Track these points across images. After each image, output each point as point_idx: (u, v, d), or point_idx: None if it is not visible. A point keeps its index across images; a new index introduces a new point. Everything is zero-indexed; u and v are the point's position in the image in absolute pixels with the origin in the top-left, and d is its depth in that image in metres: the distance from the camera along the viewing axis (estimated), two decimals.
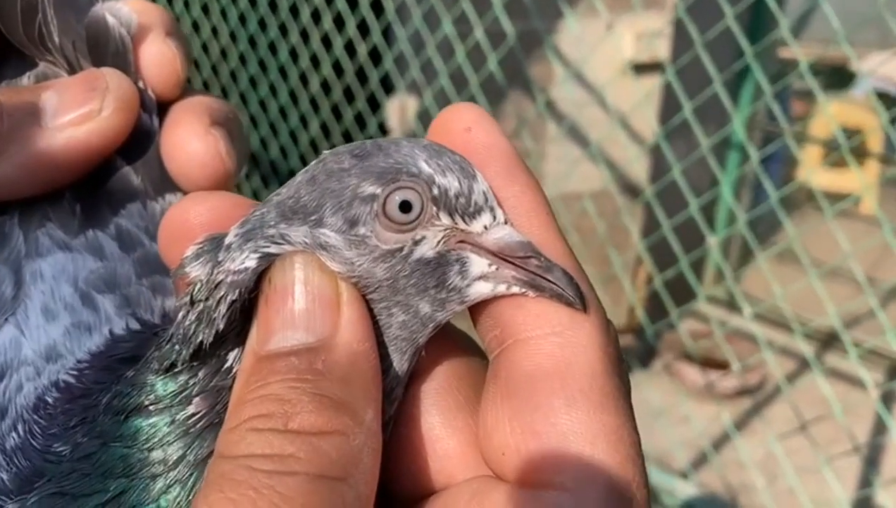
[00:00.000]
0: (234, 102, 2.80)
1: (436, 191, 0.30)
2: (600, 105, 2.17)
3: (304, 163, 2.43)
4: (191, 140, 0.40)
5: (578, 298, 0.29)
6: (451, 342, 0.33)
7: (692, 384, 2.41)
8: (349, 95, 2.42)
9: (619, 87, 2.11)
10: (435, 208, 0.30)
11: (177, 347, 0.31)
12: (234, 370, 0.30)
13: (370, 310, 0.30)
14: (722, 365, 2.32)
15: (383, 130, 2.45)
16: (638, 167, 2.20)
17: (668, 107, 2.16)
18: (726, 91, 1.72)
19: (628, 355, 2.22)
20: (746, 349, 2.25)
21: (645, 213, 2.33)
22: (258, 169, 2.85)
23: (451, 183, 0.30)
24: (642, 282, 2.39)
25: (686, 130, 1.86)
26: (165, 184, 0.41)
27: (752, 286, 2.54)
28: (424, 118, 2.22)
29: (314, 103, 2.57)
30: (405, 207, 0.30)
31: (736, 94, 2.52)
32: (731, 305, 2.55)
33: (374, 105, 2.38)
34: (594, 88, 2.19)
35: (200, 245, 0.31)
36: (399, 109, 2.41)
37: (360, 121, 2.42)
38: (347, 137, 2.43)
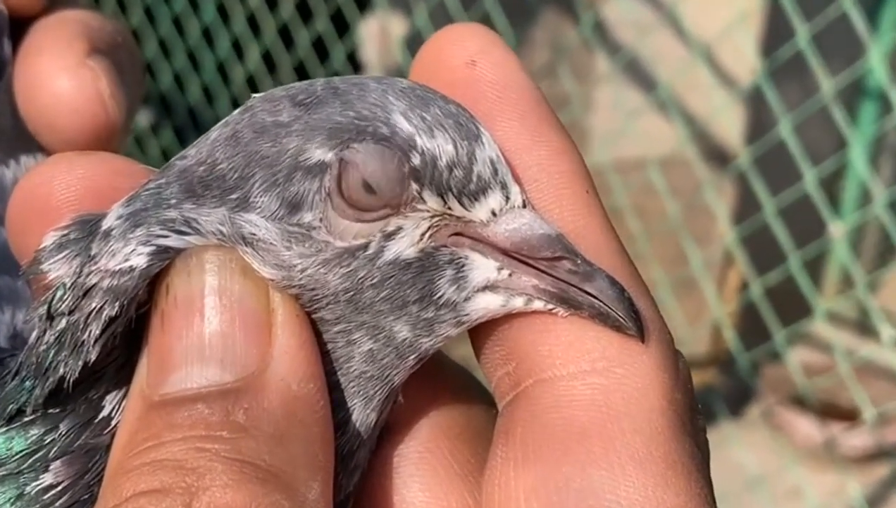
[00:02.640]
0: (135, 21, 2.81)
1: (417, 159, 0.30)
2: (673, 29, 2.16)
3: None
4: (58, 75, 0.40)
5: (633, 319, 0.29)
6: (440, 380, 0.33)
7: (805, 440, 2.41)
8: (305, 9, 2.42)
9: (702, 2, 2.11)
10: (416, 186, 0.30)
11: (27, 384, 0.31)
12: (113, 422, 0.30)
13: (318, 335, 0.30)
14: (849, 414, 2.32)
15: (354, 63, 2.45)
16: (728, 122, 2.21)
17: (774, 32, 2.16)
18: (860, 10, 1.72)
19: (711, 397, 2.22)
20: (885, 390, 2.25)
21: (738, 189, 2.33)
22: (170, 118, 2.85)
23: (441, 147, 0.30)
24: (733, 290, 2.40)
25: (800, 68, 1.86)
26: (20, 139, 0.41)
27: (895, 299, 2.54)
28: (415, 47, 2.22)
29: (253, 23, 2.57)
30: (372, 183, 0.29)
31: (874, 14, 2.51)
32: (863, 326, 2.55)
33: (342, 26, 2.38)
34: (664, 4, 2.18)
35: (65, 231, 0.31)
36: (378, 34, 2.41)
37: (319, 49, 2.43)
38: (301, 74, 2.43)
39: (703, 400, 2.24)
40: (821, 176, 1.83)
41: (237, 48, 2.64)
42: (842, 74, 1.85)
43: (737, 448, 2.18)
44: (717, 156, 2.28)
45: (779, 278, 1.92)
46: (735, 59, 2.21)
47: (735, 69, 2.25)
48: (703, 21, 2.12)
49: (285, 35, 2.49)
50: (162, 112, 2.87)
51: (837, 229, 2.03)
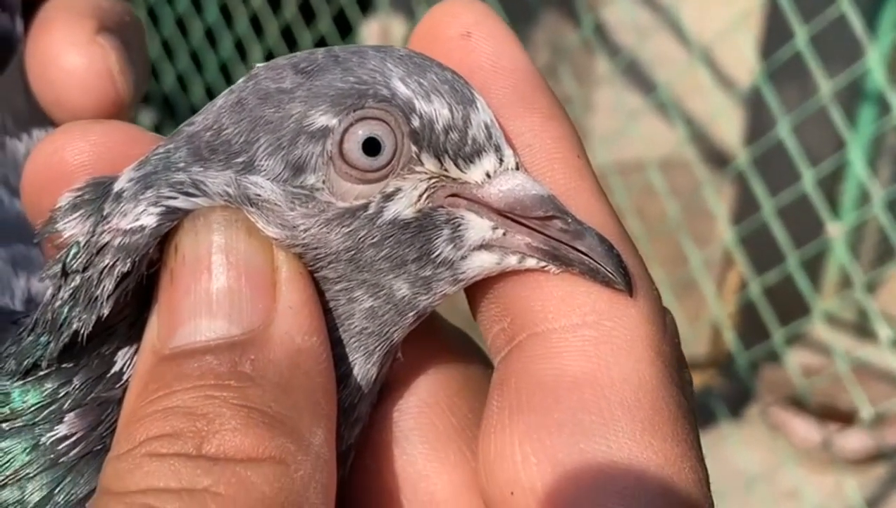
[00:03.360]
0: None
1: (416, 122, 0.31)
2: (673, 31, 2.17)
3: None
4: (68, 51, 0.41)
5: (621, 274, 0.30)
6: (439, 340, 0.34)
7: (803, 441, 2.41)
8: (308, 10, 2.43)
9: (701, 4, 2.11)
10: (415, 148, 0.31)
11: (42, 339, 0.31)
12: (125, 377, 0.31)
13: (321, 293, 0.31)
14: (847, 416, 2.32)
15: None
16: (727, 123, 2.21)
17: (773, 34, 2.16)
18: (858, 11, 1.72)
19: (710, 397, 2.22)
20: (883, 391, 2.25)
21: (737, 190, 2.33)
22: (173, 119, 2.86)
23: (438, 111, 0.31)
24: (732, 291, 2.40)
25: (799, 69, 1.86)
26: (32, 114, 0.42)
27: (893, 300, 2.54)
28: None
29: (256, 24, 2.57)
30: (372, 146, 0.31)
31: (873, 17, 2.52)
32: (862, 327, 2.55)
33: (344, 27, 2.39)
34: (664, 7, 2.19)
35: (79, 192, 0.32)
36: (380, 34, 2.41)
37: None
38: (291, 46, 2.43)
39: (703, 401, 2.23)
40: (819, 176, 1.82)
41: (240, 49, 2.64)
42: (840, 76, 1.85)
43: (735, 448, 2.18)
44: (717, 157, 2.28)
45: (777, 277, 1.92)
46: (734, 60, 2.21)
47: (734, 71, 2.25)
48: (703, 23, 2.12)
49: (288, 36, 2.50)
50: (165, 113, 2.87)
51: (836, 230, 2.04)
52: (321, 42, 2.41)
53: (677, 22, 2.16)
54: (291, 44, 2.48)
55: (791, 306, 2.01)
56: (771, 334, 1.89)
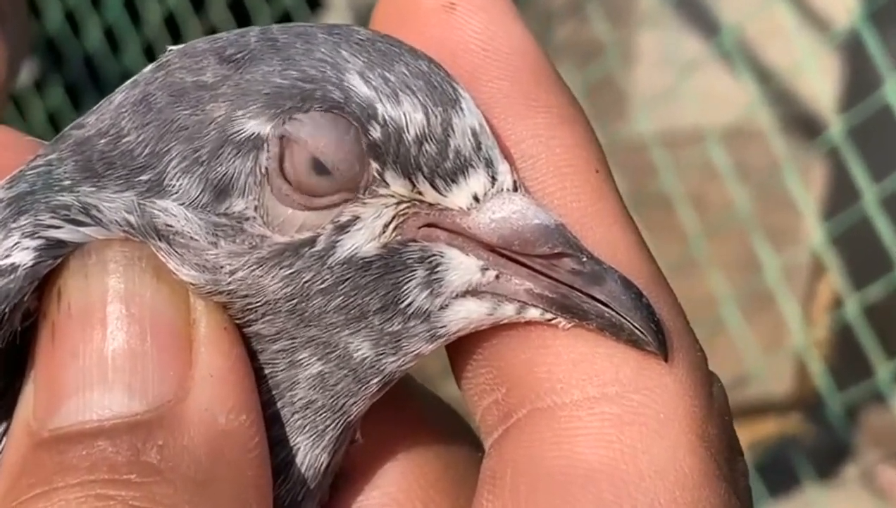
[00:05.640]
0: None
1: (378, 132, 0.31)
2: None
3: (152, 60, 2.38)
4: None
5: (652, 331, 0.30)
6: (411, 413, 0.34)
7: None
8: None
9: None
10: (377, 165, 0.31)
11: None
12: None
13: (253, 355, 0.32)
14: None
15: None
16: (815, 80, 2.20)
17: None
18: None
19: (793, 452, 2.22)
20: None
21: (829, 171, 2.33)
22: (60, 72, 2.83)
23: (409, 115, 0.31)
24: (822, 309, 2.40)
25: None
26: None
27: None
28: None
29: None
30: (321, 161, 0.31)
31: None
32: None
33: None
34: None
35: None
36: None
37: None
38: (242, 20, 2.42)
39: (782, 456, 2.24)
40: None
41: (171, 26, 2.60)
42: None
43: None
44: (801, 126, 2.27)
45: (883, 292, 1.91)
46: None
47: (826, 9, 2.25)
48: None
49: (238, 9, 2.48)
50: (50, 63, 2.84)
51: None
52: (285, 18, 2.40)
53: None
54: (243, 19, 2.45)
55: None
56: (874, 368, 1.89)
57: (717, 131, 2.04)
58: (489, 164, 0.32)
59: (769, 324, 2.24)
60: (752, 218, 2.00)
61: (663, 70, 2.23)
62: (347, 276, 0.31)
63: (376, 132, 0.31)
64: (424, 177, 0.31)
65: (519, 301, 0.31)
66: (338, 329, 0.32)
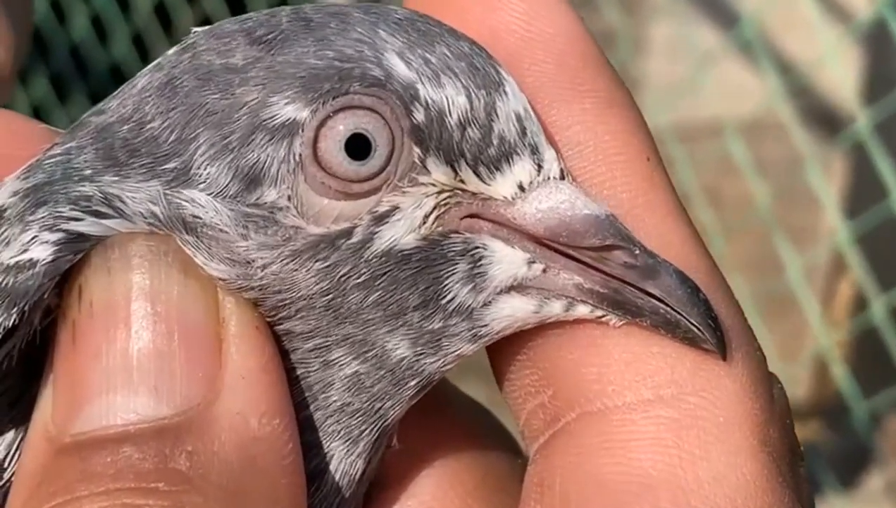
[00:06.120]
0: None
1: (420, 115, 0.31)
2: None
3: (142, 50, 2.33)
4: None
5: (710, 328, 0.30)
6: (449, 418, 0.34)
7: None
8: None
9: None
10: (418, 151, 0.31)
11: None
12: (6, 474, 0.31)
13: (285, 355, 0.31)
14: None
15: None
16: (838, 71, 2.20)
17: None
18: None
19: (814, 460, 2.23)
20: None
21: (852, 166, 2.34)
22: (45, 63, 2.84)
23: (452, 99, 0.31)
24: (844, 310, 2.40)
25: None
26: None
27: None
28: None
29: None
30: (358, 146, 0.30)
31: None
32: None
33: None
34: None
35: None
36: None
37: None
38: (235, 8, 2.43)
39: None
40: None
41: (161, 13, 2.61)
42: None
43: None
44: (823, 119, 2.29)
45: None
46: None
47: None
48: None
49: None
50: (34, 53, 2.85)
51: None
52: (282, 3, 2.40)
53: None
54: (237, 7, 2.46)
55: None
56: None
57: (734, 125, 2.05)
58: (535, 150, 0.31)
59: (788, 326, 2.27)
60: (771, 215, 2.01)
61: (677, 61, 2.25)
62: (386, 270, 0.31)
63: (420, 115, 0.31)
64: (467, 164, 0.31)
65: (567, 297, 0.31)
66: (375, 327, 0.31)
